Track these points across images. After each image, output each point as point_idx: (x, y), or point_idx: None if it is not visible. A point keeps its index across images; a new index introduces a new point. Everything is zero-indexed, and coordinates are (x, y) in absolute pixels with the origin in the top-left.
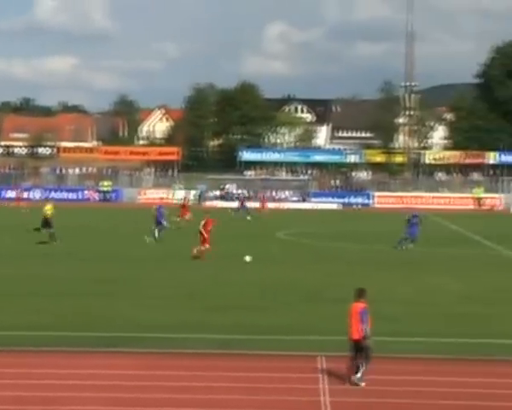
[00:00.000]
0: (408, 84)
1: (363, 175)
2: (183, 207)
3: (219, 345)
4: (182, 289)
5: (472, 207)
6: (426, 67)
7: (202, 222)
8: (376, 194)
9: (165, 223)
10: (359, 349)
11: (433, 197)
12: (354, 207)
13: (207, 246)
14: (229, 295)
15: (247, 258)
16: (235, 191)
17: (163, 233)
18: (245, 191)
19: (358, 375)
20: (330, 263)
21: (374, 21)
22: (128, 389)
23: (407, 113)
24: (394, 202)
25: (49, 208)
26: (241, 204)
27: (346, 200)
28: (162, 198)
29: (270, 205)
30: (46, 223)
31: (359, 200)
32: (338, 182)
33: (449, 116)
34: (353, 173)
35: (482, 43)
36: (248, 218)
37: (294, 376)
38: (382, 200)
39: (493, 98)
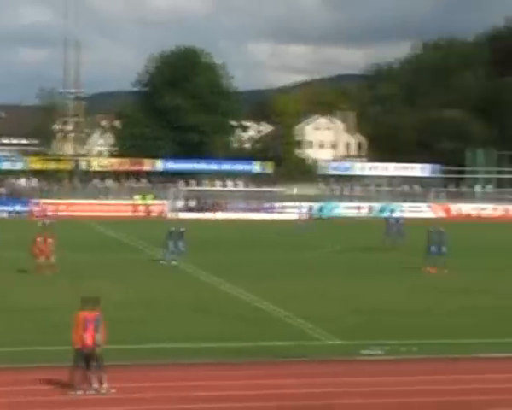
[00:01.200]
0: (69, 90)
1: (23, 182)
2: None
3: None
4: None
5: (130, 213)
6: (88, 74)
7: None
8: None
9: None
10: (91, 358)
11: (94, 204)
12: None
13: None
14: None
15: None
16: None
17: None
18: None
19: (105, 385)
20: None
21: (35, 27)
22: None
23: (69, 120)
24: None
25: None
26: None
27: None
28: None
29: None
30: None
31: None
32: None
33: (112, 124)
34: (15, 180)
35: (143, 52)
36: None
37: None
38: None
39: (154, 107)
